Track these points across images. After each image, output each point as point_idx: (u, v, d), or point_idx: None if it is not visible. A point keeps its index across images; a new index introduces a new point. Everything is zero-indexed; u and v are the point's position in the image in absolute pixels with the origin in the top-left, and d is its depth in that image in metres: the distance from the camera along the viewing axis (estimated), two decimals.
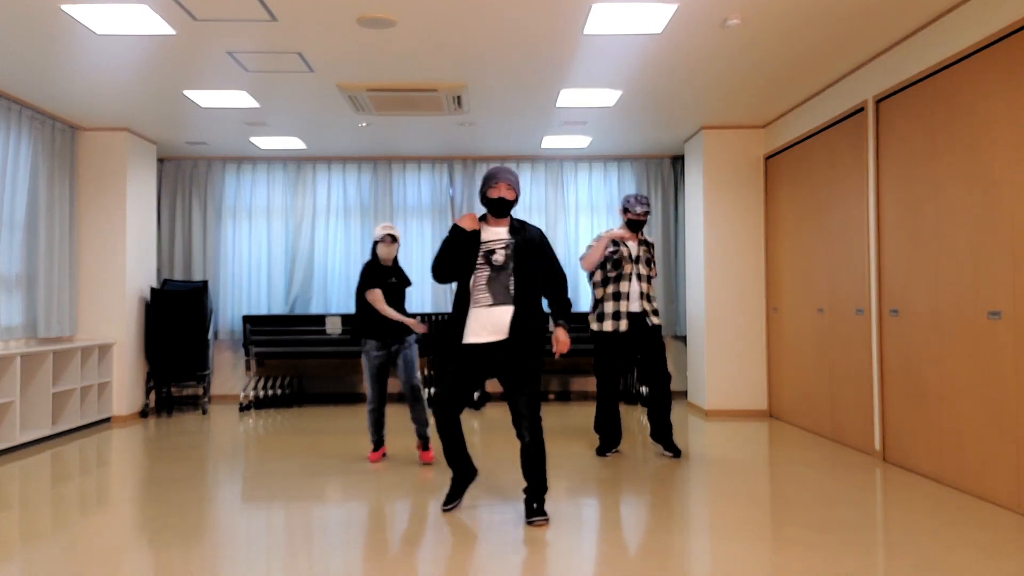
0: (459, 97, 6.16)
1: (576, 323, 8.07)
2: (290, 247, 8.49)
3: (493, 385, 8.64)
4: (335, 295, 8.47)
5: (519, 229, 3.93)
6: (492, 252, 3.85)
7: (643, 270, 5.38)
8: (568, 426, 6.73)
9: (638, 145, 8.06)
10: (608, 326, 5.27)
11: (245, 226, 8.52)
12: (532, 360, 3.79)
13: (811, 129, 6.25)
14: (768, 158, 7.22)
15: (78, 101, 6.25)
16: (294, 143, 7.79)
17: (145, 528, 3.76)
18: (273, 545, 3.48)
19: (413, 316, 5.44)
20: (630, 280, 5.31)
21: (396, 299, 5.19)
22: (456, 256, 3.86)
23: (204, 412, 7.72)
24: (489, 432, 6.48)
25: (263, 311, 8.43)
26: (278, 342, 7.97)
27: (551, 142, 7.87)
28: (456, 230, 3.86)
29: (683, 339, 8.68)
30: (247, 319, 7.98)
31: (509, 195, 3.88)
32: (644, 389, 8.04)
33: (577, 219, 8.55)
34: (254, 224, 8.53)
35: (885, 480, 4.65)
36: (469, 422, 7.04)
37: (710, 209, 7.31)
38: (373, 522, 3.83)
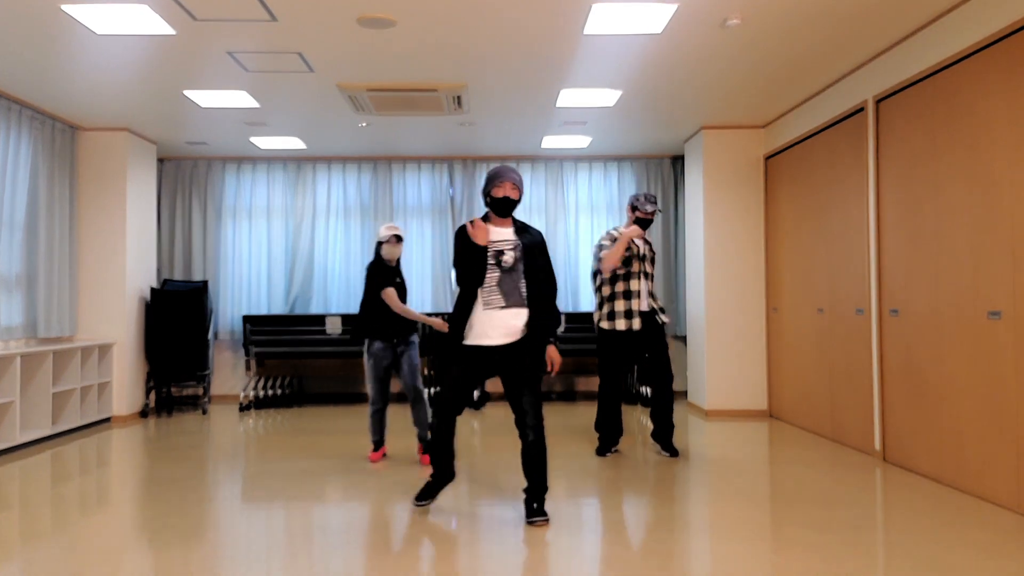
0: (459, 97, 6.16)
1: (580, 323, 8.07)
2: (290, 247, 8.49)
3: (493, 385, 8.64)
4: (335, 295, 8.47)
5: (524, 230, 3.93)
6: (501, 253, 3.82)
7: (648, 268, 5.39)
8: (571, 426, 6.73)
9: (638, 145, 8.07)
10: (621, 325, 5.25)
11: (245, 226, 8.52)
12: (536, 359, 3.81)
13: (811, 129, 6.25)
14: (768, 158, 7.22)
15: (78, 101, 6.25)
16: (294, 143, 7.79)
17: (145, 528, 3.76)
18: (273, 545, 3.48)
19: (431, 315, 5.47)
20: (639, 278, 5.31)
21: (401, 299, 5.20)
22: (473, 264, 3.80)
23: (204, 412, 7.72)
24: (489, 432, 6.48)
25: (263, 311, 8.43)
26: (278, 342, 7.97)
27: (551, 142, 7.87)
28: (475, 247, 3.78)
29: (683, 339, 8.68)
30: (247, 319, 7.98)
31: (514, 194, 3.86)
32: (645, 389, 8.04)
33: (577, 219, 8.55)
34: (254, 224, 8.53)
35: (885, 480, 4.65)
36: (469, 422, 7.04)
37: (710, 209, 7.32)
38: (373, 522, 3.83)
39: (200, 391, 8.51)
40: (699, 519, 3.84)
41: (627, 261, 5.29)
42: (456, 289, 3.96)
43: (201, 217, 8.43)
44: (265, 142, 7.74)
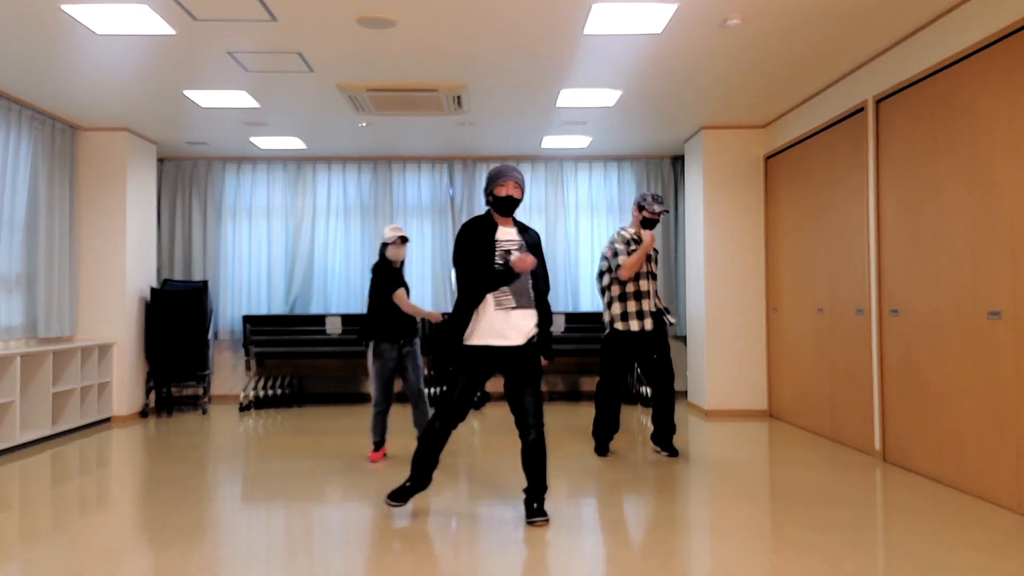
0: (459, 97, 6.16)
1: (580, 323, 8.06)
2: (290, 247, 8.49)
3: (493, 385, 8.64)
4: (335, 295, 8.47)
5: (525, 230, 3.93)
6: (508, 253, 3.80)
7: (654, 268, 5.39)
8: (572, 426, 6.73)
9: (638, 145, 8.06)
10: (635, 326, 5.25)
11: (245, 226, 8.52)
12: (537, 359, 3.83)
13: (811, 129, 6.25)
14: (768, 158, 7.22)
15: (78, 101, 6.25)
16: (294, 143, 7.79)
17: (145, 528, 3.76)
18: (273, 545, 3.48)
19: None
20: (647, 279, 5.31)
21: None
22: (483, 261, 3.76)
23: (204, 412, 7.72)
24: (489, 432, 6.48)
25: (263, 311, 8.43)
26: (278, 342, 7.97)
27: (551, 142, 7.87)
28: (486, 244, 3.75)
29: (683, 339, 8.68)
30: (247, 319, 7.98)
31: (517, 193, 3.84)
32: (645, 389, 8.03)
33: (577, 219, 8.55)
34: (254, 224, 8.53)
35: (885, 480, 4.65)
36: (469, 422, 7.04)
37: (710, 209, 7.32)
38: (373, 522, 3.83)
39: (200, 391, 8.51)
40: (699, 519, 3.84)
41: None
42: (455, 289, 3.88)
43: (201, 217, 8.43)
44: (265, 142, 7.74)
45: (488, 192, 3.87)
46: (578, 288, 8.50)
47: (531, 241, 3.90)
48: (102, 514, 4.01)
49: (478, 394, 7.96)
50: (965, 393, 4.31)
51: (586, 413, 7.49)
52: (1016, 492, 3.92)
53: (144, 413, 7.55)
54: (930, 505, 4.07)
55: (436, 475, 4.85)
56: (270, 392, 8.20)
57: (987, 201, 4.11)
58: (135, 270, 7.39)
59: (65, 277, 6.83)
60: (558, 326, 8.00)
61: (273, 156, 8.45)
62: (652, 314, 5.30)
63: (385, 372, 5.13)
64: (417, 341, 5.26)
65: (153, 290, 7.51)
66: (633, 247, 5.27)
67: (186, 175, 8.47)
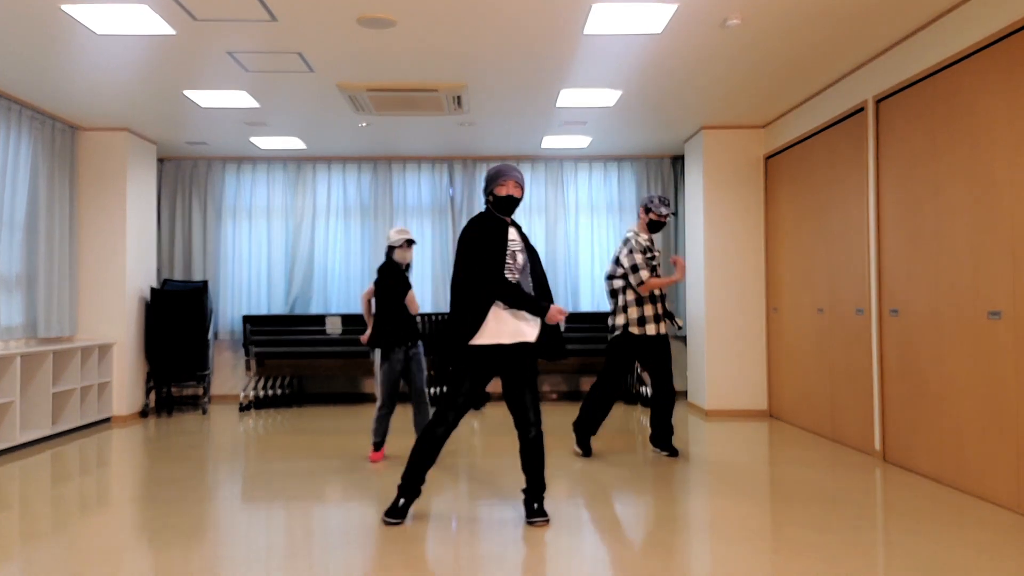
0: (459, 97, 6.16)
1: (581, 323, 8.06)
2: (290, 247, 8.49)
3: (493, 385, 8.64)
4: (335, 295, 8.47)
5: (520, 228, 3.93)
6: (515, 254, 3.79)
7: (660, 272, 5.39)
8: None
9: (638, 145, 8.06)
10: (651, 330, 5.24)
11: (245, 226, 8.52)
12: (535, 358, 3.83)
13: (811, 129, 6.25)
14: (768, 158, 7.22)
15: (78, 101, 6.25)
16: (294, 143, 7.79)
17: (145, 528, 3.76)
18: (273, 545, 3.48)
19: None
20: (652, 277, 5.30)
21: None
22: (500, 256, 3.73)
23: (204, 412, 7.72)
24: (489, 432, 6.48)
25: (263, 311, 8.43)
26: (278, 342, 7.97)
27: (551, 142, 7.87)
28: (502, 239, 3.72)
29: (683, 339, 8.68)
30: (247, 319, 7.98)
31: (517, 193, 3.82)
32: (646, 389, 8.03)
33: (577, 219, 8.55)
34: (254, 224, 8.53)
35: (885, 480, 4.65)
36: (469, 422, 7.04)
37: (710, 209, 7.32)
38: (373, 522, 3.83)
39: (200, 391, 8.51)
40: (699, 519, 3.84)
41: (652, 269, 5.28)
42: (459, 287, 3.76)
43: (201, 217, 8.43)
44: (265, 142, 7.74)
45: (488, 192, 3.85)
46: (578, 288, 8.50)
47: (528, 243, 3.91)
48: (102, 514, 4.01)
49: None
50: (965, 393, 4.31)
51: None
52: (1016, 492, 3.92)
53: (144, 413, 7.55)
54: (930, 505, 4.07)
55: (436, 475, 4.85)
56: (270, 392, 8.20)
57: (987, 201, 4.11)
58: (135, 270, 7.39)
59: (65, 277, 6.83)
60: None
61: (273, 156, 8.45)
62: (664, 317, 5.31)
63: (393, 375, 5.13)
64: (421, 343, 5.26)
65: (153, 290, 7.51)
66: (650, 255, 5.26)
67: (186, 175, 8.47)
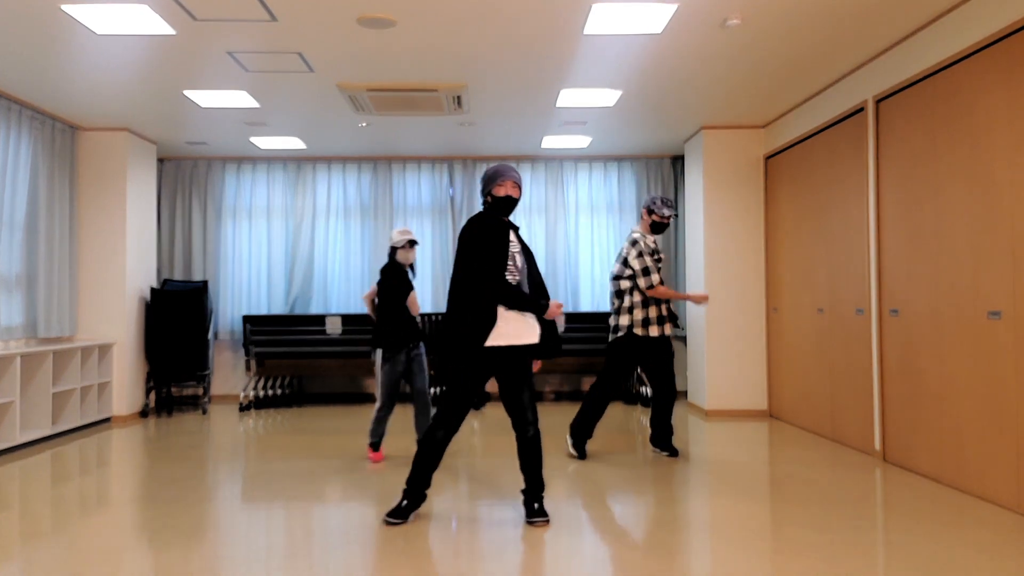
0: (459, 97, 6.16)
1: (582, 323, 8.06)
2: (290, 247, 8.49)
3: (492, 385, 8.64)
4: (335, 295, 8.47)
5: (517, 230, 3.93)
6: (514, 257, 3.79)
7: (663, 276, 5.38)
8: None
9: (638, 145, 8.06)
10: (654, 331, 5.24)
11: (245, 226, 8.52)
12: (531, 358, 3.83)
13: (811, 129, 6.25)
14: (768, 158, 7.22)
15: (78, 101, 6.25)
16: (294, 143, 7.80)
17: (145, 528, 3.76)
18: (273, 545, 3.48)
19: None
20: (661, 284, 5.29)
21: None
22: (504, 257, 3.73)
23: (204, 412, 7.72)
24: (489, 432, 6.48)
25: (263, 311, 8.43)
26: (278, 342, 7.97)
27: (551, 142, 7.87)
28: (505, 240, 3.72)
29: (683, 339, 8.68)
30: (247, 319, 7.98)
31: (516, 193, 3.81)
32: (646, 389, 8.03)
33: (577, 219, 8.55)
34: (254, 224, 8.53)
35: (885, 480, 4.65)
36: (469, 422, 7.04)
37: (710, 209, 7.32)
38: (373, 522, 3.83)
39: (200, 391, 8.51)
40: (699, 519, 3.84)
41: (660, 270, 5.30)
42: (459, 287, 3.74)
43: (201, 217, 8.44)
44: (265, 142, 7.74)
45: (486, 192, 3.84)
46: (578, 288, 8.50)
47: (525, 245, 3.91)
48: (102, 514, 4.01)
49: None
50: (965, 393, 4.31)
51: None
52: (1016, 492, 3.92)
53: (144, 413, 7.55)
54: (930, 505, 4.07)
55: (436, 475, 4.85)
56: (270, 392, 8.20)
57: (987, 201, 4.11)
58: (135, 270, 7.39)
59: (65, 277, 6.83)
60: (558, 326, 7.99)
61: (273, 156, 8.45)
62: (669, 319, 5.31)
63: (394, 377, 5.12)
64: (422, 345, 5.25)
65: (153, 290, 7.51)
66: (656, 257, 5.26)
67: (186, 175, 8.47)
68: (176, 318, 7.54)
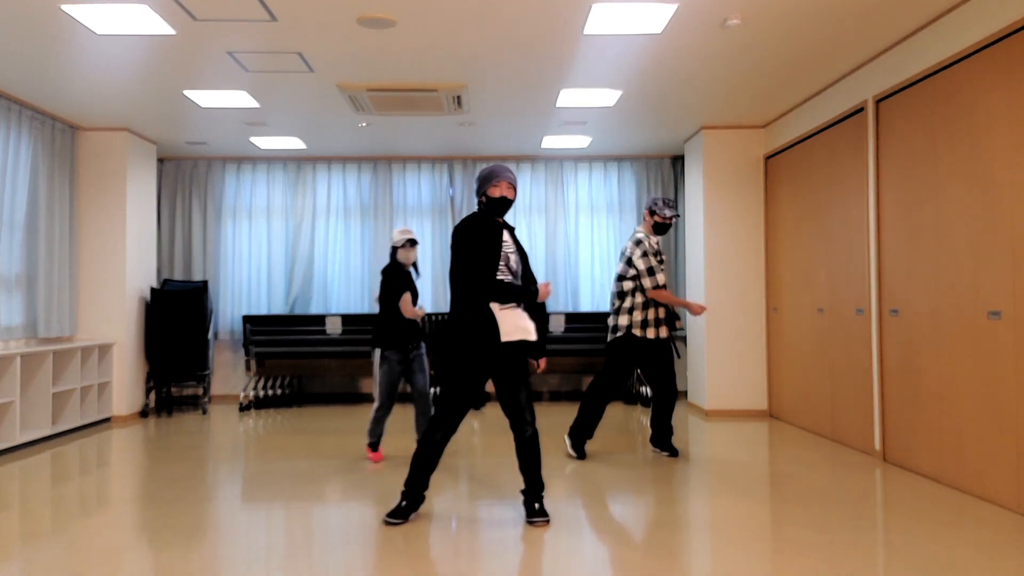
0: (459, 97, 6.16)
1: (581, 323, 8.06)
2: (290, 247, 8.49)
3: (491, 385, 8.64)
4: (335, 295, 8.47)
5: (513, 231, 3.92)
6: (508, 257, 3.78)
7: (665, 277, 5.38)
8: (568, 428, 6.73)
9: (638, 145, 8.07)
10: (651, 333, 5.23)
11: (245, 226, 8.52)
12: (527, 357, 3.84)
13: (811, 129, 6.25)
14: (768, 158, 7.22)
15: (78, 101, 6.25)
16: (294, 143, 7.80)
17: (145, 528, 3.76)
18: (273, 545, 3.48)
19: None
20: (663, 287, 5.28)
21: (413, 302, 5.21)
22: (495, 257, 3.74)
23: (204, 412, 7.72)
24: (489, 432, 6.49)
25: (263, 311, 8.43)
26: (278, 342, 7.97)
27: (551, 142, 7.87)
28: (497, 239, 3.73)
29: (683, 339, 8.68)
30: (247, 319, 7.98)
31: (510, 194, 3.81)
32: (646, 389, 8.03)
33: (577, 219, 8.55)
34: (254, 224, 8.53)
35: (885, 480, 4.65)
36: (469, 422, 7.04)
37: (710, 209, 7.32)
38: (373, 522, 3.83)
39: (200, 391, 8.51)
40: (699, 519, 3.84)
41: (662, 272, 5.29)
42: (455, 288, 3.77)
43: (201, 217, 8.44)
44: (265, 142, 7.74)
45: (481, 193, 3.83)
46: (578, 288, 8.50)
47: (520, 246, 3.91)
48: (102, 514, 4.01)
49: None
50: (965, 393, 4.31)
51: None
52: (1016, 492, 3.92)
53: (144, 413, 7.55)
54: (930, 505, 4.07)
55: (436, 475, 4.85)
56: (270, 392, 8.20)
57: (987, 201, 4.11)
58: (135, 270, 7.39)
59: (65, 277, 6.83)
60: (559, 326, 8.00)
61: (273, 156, 8.45)
62: (667, 320, 5.30)
63: (392, 377, 5.11)
64: (423, 345, 5.24)
65: (153, 290, 7.51)
66: (659, 259, 5.26)
67: (186, 175, 8.47)
68: (176, 318, 7.54)
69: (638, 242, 5.26)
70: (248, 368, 8.13)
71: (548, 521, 3.76)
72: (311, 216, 8.47)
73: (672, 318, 5.35)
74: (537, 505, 3.78)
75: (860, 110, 5.49)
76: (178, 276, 8.41)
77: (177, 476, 4.90)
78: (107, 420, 7.17)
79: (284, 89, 5.94)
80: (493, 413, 7.63)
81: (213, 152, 8.23)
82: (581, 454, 5.31)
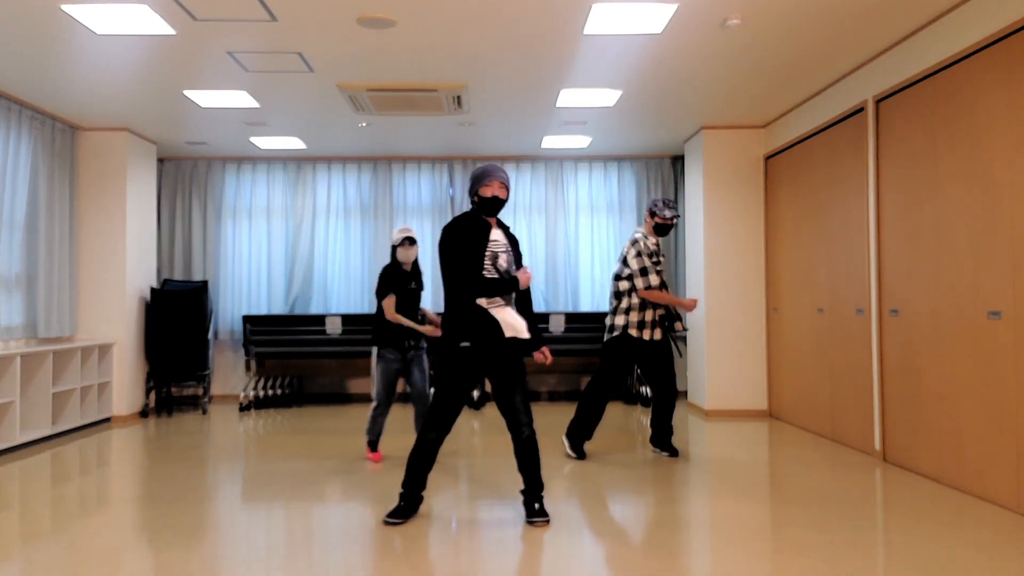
0: (459, 97, 6.16)
1: (581, 323, 8.06)
2: (290, 247, 8.50)
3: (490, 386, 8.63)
4: (335, 295, 8.47)
5: (508, 231, 3.92)
6: (497, 256, 3.77)
7: (664, 277, 5.37)
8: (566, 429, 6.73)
9: (638, 145, 8.06)
10: (647, 335, 5.22)
11: (245, 226, 8.52)
12: (523, 357, 3.83)
13: (811, 129, 6.25)
14: (768, 158, 7.22)
15: (78, 101, 6.25)
16: (294, 143, 7.79)
17: (145, 528, 3.76)
18: (273, 545, 3.48)
19: (423, 322, 5.30)
20: (661, 288, 5.26)
21: (413, 304, 5.17)
22: (477, 258, 3.74)
23: (204, 412, 7.72)
24: (489, 432, 6.49)
25: (263, 311, 8.43)
26: (278, 342, 7.97)
27: (551, 142, 7.87)
28: (481, 241, 3.73)
29: (683, 339, 8.68)
30: (247, 319, 7.98)
31: (502, 194, 3.81)
32: (646, 389, 8.03)
33: (577, 219, 8.55)
34: (254, 224, 8.53)
35: (885, 480, 4.65)
36: (469, 422, 7.04)
37: (710, 209, 7.32)
38: (373, 522, 3.83)
39: (200, 391, 8.50)
40: (699, 519, 3.84)
41: (659, 274, 5.27)
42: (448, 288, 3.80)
43: (201, 217, 8.44)
44: (265, 142, 7.74)
45: (473, 193, 3.83)
46: (578, 288, 8.50)
47: (514, 240, 3.92)
48: (102, 514, 4.01)
49: (477, 394, 7.98)
50: (965, 393, 4.31)
51: None
52: (1016, 492, 3.92)
53: (144, 413, 7.55)
54: (930, 505, 4.07)
55: (436, 476, 4.85)
56: (270, 392, 8.20)
57: (987, 201, 4.11)
58: (135, 270, 7.39)
59: (65, 277, 6.83)
60: (559, 326, 7.99)
61: (273, 156, 8.45)
62: (663, 323, 5.29)
63: (389, 375, 5.11)
64: (424, 346, 5.22)
65: (153, 290, 7.51)
66: (655, 259, 5.25)
67: (186, 175, 8.47)
68: (176, 318, 7.54)
69: (634, 242, 5.27)
70: (248, 368, 8.13)
71: (548, 521, 3.76)
72: (311, 216, 8.47)
73: (672, 319, 5.34)
74: (537, 505, 3.78)
75: (860, 110, 5.49)
76: (178, 276, 8.41)
77: (177, 476, 4.90)
78: (107, 420, 7.17)
79: (284, 89, 5.94)
80: (493, 413, 7.63)
81: (213, 152, 8.23)
82: (580, 454, 5.31)
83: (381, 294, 5.07)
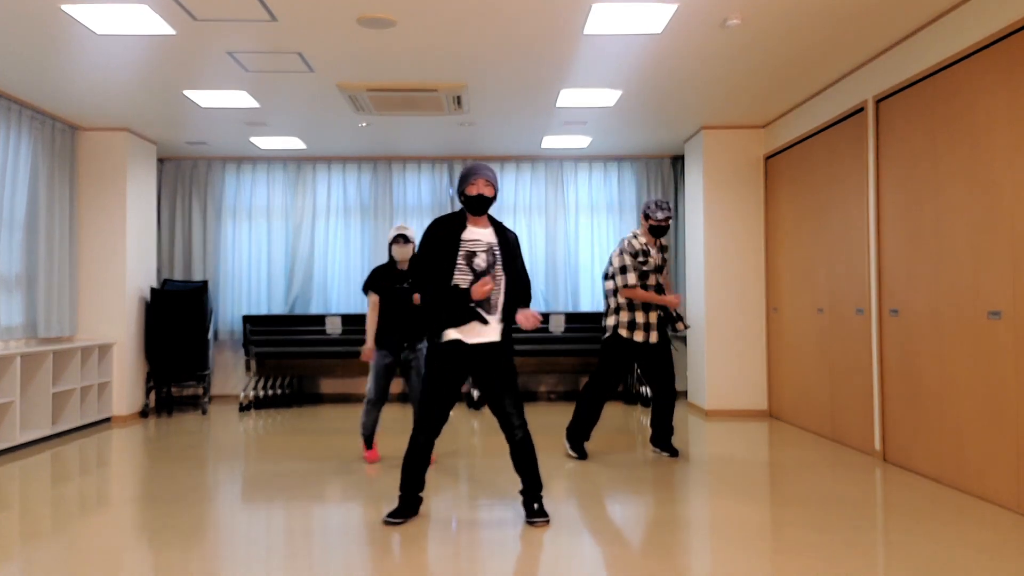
0: (459, 97, 6.16)
1: (581, 323, 8.06)
2: (290, 247, 8.50)
3: None
4: (335, 295, 8.47)
5: (501, 230, 3.88)
6: (473, 255, 3.74)
7: (662, 279, 5.36)
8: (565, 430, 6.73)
9: (638, 145, 8.06)
10: (639, 336, 5.22)
11: (245, 226, 8.52)
12: (512, 360, 3.82)
13: (811, 129, 6.25)
14: (768, 158, 7.22)
15: (78, 101, 6.25)
16: (294, 143, 7.79)
17: (145, 528, 3.76)
18: (273, 545, 3.48)
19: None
20: (649, 288, 5.25)
21: (407, 304, 5.16)
22: (439, 262, 3.73)
23: (204, 412, 7.72)
24: (488, 432, 6.48)
25: (263, 311, 8.43)
26: (278, 342, 7.97)
27: (551, 142, 7.87)
28: (444, 242, 3.72)
29: (683, 339, 8.68)
30: (247, 319, 7.98)
31: (488, 192, 3.78)
32: (646, 389, 8.03)
33: (577, 219, 8.55)
34: (254, 224, 8.53)
35: (885, 480, 4.65)
36: (469, 422, 7.04)
37: (710, 209, 7.32)
38: (373, 522, 3.83)
39: (200, 391, 8.51)
40: (699, 519, 3.84)
41: (643, 275, 5.24)
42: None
43: (201, 217, 8.44)
44: (265, 142, 7.74)
45: (460, 192, 3.83)
46: (578, 288, 8.50)
47: (507, 240, 3.84)
48: (102, 514, 4.01)
49: (477, 394, 7.98)
50: (965, 393, 4.30)
51: None
52: (1016, 492, 3.92)
53: (144, 413, 7.55)
54: (930, 505, 4.07)
55: (436, 476, 4.85)
56: (270, 392, 8.20)
57: (987, 201, 4.11)
58: (135, 270, 7.39)
59: (65, 277, 6.83)
60: (559, 326, 7.99)
61: (273, 156, 8.45)
62: (657, 326, 5.28)
63: (379, 367, 5.10)
64: (422, 348, 5.19)
65: (153, 290, 7.51)
66: (642, 259, 5.23)
67: (186, 175, 8.47)
68: (176, 318, 7.54)
69: (620, 241, 5.29)
70: (248, 368, 8.13)
71: (548, 521, 3.76)
72: (311, 216, 8.47)
73: (672, 320, 5.34)
74: (536, 505, 3.78)
75: (860, 110, 5.49)
76: (178, 276, 8.41)
77: (177, 476, 4.90)
78: (107, 420, 7.17)
79: (284, 89, 5.94)
80: (492, 413, 7.62)
81: (213, 152, 8.23)
82: (581, 454, 5.31)
83: (365, 292, 5.13)
